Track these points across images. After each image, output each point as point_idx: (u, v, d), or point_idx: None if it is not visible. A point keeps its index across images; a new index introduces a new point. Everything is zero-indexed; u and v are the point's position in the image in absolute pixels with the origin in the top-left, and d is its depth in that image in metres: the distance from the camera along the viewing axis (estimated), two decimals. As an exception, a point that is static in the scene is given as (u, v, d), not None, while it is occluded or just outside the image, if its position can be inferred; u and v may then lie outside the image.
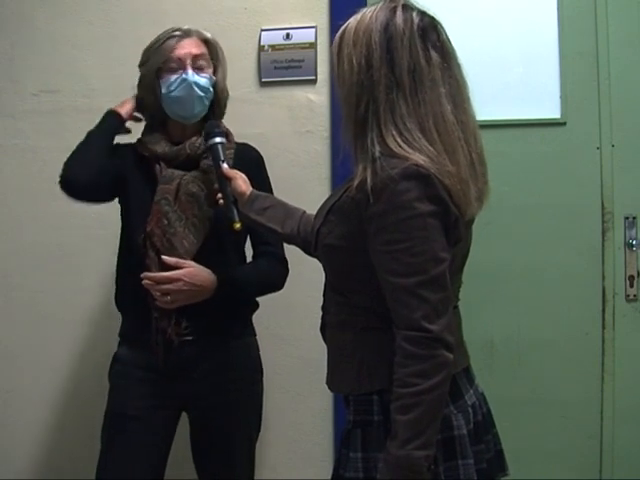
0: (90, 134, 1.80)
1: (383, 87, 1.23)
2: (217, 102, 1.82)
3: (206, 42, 1.79)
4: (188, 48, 1.74)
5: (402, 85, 1.22)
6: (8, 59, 2.40)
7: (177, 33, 1.75)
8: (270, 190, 1.84)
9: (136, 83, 1.82)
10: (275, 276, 1.83)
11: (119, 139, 1.87)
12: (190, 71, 1.73)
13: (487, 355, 2.21)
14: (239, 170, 1.68)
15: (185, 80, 1.72)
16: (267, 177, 1.88)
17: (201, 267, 1.71)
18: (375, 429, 1.25)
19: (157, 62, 1.74)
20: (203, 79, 1.75)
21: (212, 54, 1.80)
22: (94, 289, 2.32)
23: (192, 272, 1.69)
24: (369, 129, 1.23)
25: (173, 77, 1.73)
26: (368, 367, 1.27)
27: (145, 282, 1.68)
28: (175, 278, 1.68)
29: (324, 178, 2.25)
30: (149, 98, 1.80)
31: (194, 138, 1.77)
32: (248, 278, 1.81)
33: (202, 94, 1.75)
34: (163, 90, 1.75)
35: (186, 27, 1.77)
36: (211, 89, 1.77)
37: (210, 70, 1.78)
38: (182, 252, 1.70)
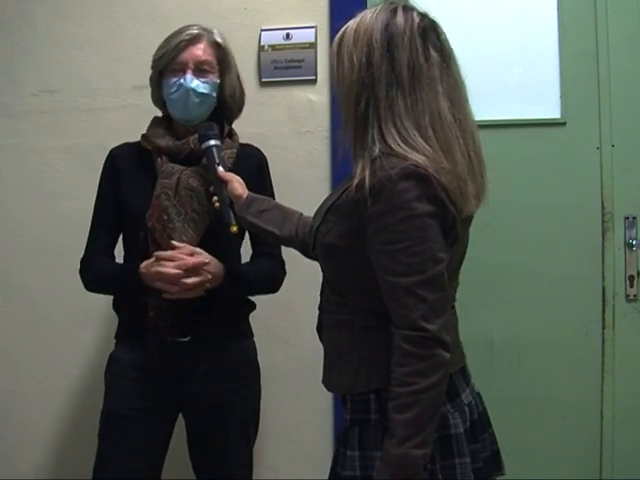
0: (115, 283, 1.78)
1: (383, 85, 1.23)
2: (225, 106, 1.80)
3: (216, 46, 1.76)
4: (194, 53, 1.72)
5: (401, 83, 1.23)
6: (8, 59, 2.39)
7: (187, 37, 1.72)
8: (271, 194, 1.83)
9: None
10: (274, 278, 1.83)
11: (124, 137, 1.87)
12: (189, 76, 1.71)
13: (487, 355, 2.21)
14: (240, 172, 1.67)
15: (182, 85, 1.71)
16: (269, 181, 1.86)
17: (209, 255, 1.69)
18: (372, 428, 1.26)
19: (162, 63, 1.74)
20: (202, 85, 1.72)
21: (220, 59, 1.77)
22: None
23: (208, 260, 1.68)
24: (370, 126, 1.24)
25: (173, 80, 1.73)
26: (366, 366, 1.27)
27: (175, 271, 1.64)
28: (207, 262, 1.66)
29: (324, 178, 2.25)
30: (156, 94, 1.80)
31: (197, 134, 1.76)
32: (250, 275, 1.80)
33: (197, 100, 1.73)
34: (164, 90, 1.75)
35: (198, 30, 1.74)
36: (213, 94, 1.75)
37: (215, 75, 1.75)
38: None
